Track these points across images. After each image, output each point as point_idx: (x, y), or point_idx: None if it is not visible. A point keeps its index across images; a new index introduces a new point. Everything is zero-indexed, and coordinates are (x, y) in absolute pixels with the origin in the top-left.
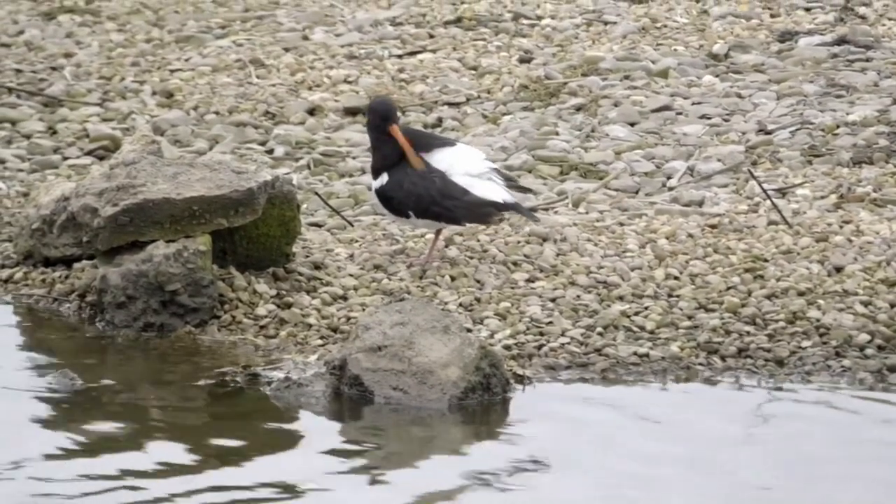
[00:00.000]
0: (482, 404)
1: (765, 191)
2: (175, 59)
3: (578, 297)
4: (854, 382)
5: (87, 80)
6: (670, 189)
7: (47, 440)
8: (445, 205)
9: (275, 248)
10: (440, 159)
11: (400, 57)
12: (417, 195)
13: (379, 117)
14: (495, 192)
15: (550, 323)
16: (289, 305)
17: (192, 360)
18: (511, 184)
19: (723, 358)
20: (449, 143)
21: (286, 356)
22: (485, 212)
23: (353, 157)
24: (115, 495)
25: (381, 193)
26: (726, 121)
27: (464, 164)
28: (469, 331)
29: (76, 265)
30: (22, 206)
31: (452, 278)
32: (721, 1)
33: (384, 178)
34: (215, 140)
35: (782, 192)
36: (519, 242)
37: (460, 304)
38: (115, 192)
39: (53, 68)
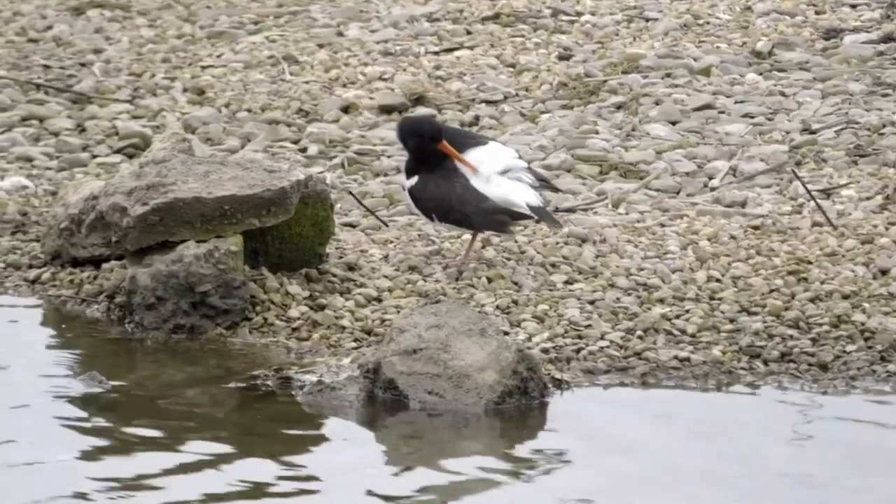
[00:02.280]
0: (519, 409)
1: (809, 191)
2: (207, 55)
3: (618, 299)
4: None
5: (116, 76)
6: (712, 189)
7: (76, 442)
8: (464, 211)
9: (308, 248)
10: (471, 159)
11: (436, 54)
12: (439, 200)
13: (428, 138)
14: (520, 194)
15: (589, 326)
16: (322, 307)
17: (223, 362)
18: (544, 184)
19: (765, 362)
20: (482, 141)
21: (319, 359)
22: (499, 220)
23: (388, 156)
24: (144, 497)
25: (411, 194)
26: (770, 120)
27: (494, 164)
28: (506, 334)
29: (105, 265)
30: (50, 205)
31: (489, 280)
32: None
33: (415, 178)
34: (247, 138)
35: (827, 193)
36: (557, 244)
37: (497, 307)
38: (145, 190)
39: (82, 64)
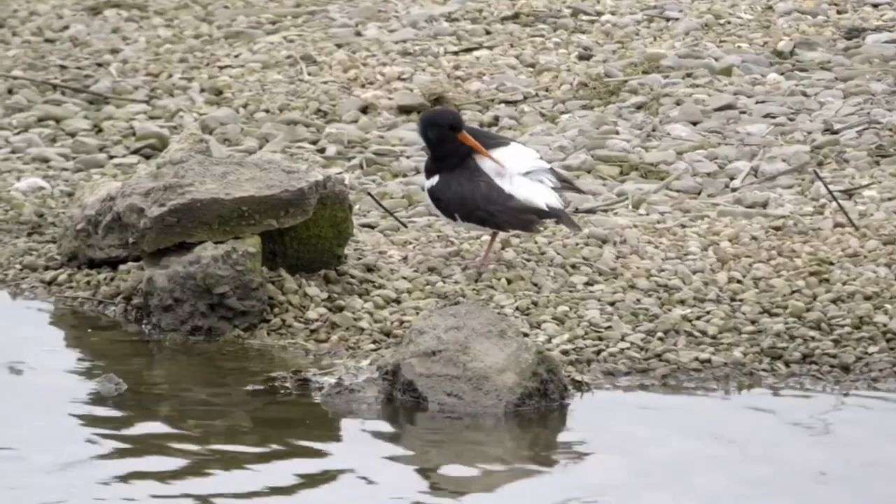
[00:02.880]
0: (539, 411)
1: (831, 192)
2: (224, 55)
3: (638, 300)
4: None
5: (133, 76)
6: (733, 190)
7: (92, 445)
8: (489, 210)
9: (326, 249)
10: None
11: (455, 54)
12: (462, 198)
13: (448, 127)
14: (542, 195)
15: (609, 327)
16: (340, 309)
17: (241, 364)
18: (566, 185)
19: (787, 364)
20: (503, 142)
21: (337, 361)
22: (526, 218)
23: (407, 157)
24: (160, 499)
25: (431, 194)
26: (791, 120)
27: (517, 164)
28: (526, 335)
29: (122, 267)
30: (66, 206)
31: (509, 281)
32: None
33: (436, 178)
34: (265, 139)
35: (849, 194)
36: (577, 245)
37: (517, 308)
38: (162, 191)
39: (99, 64)
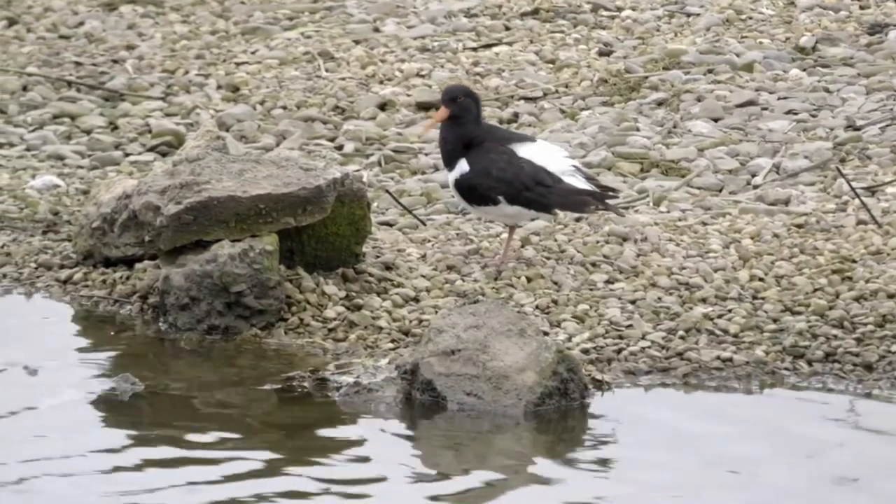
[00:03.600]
0: (559, 410)
1: (853, 189)
2: (241, 51)
3: (659, 299)
4: None
5: (149, 73)
6: (755, 187)
7: (108, 444)
8: (538, 191)
9: (344, 248)
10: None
11: (475, 50)
12: (508, 181)
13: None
14: (584, 185)
15: (630, 326)
16: (358, 307)
17: (258, 364)
18: (593, 182)
19: (809, 363)
20: (529, 139)
21: (356, 360)
22: (581, 200)
23: (426, 154)
24: (175, 500)
25: (465, 181)
26: (813, 116)
27: (545, 161)
28: (546, 334)
29: (138, 265)
30: (82, 204)
31: (529, 279)
32: None
33: (463, 165)
34: (283, 136)
35: (871, 191)
36: (598, 242)
37: (537, 307)
38: (179, 189)
39: (115, 61)
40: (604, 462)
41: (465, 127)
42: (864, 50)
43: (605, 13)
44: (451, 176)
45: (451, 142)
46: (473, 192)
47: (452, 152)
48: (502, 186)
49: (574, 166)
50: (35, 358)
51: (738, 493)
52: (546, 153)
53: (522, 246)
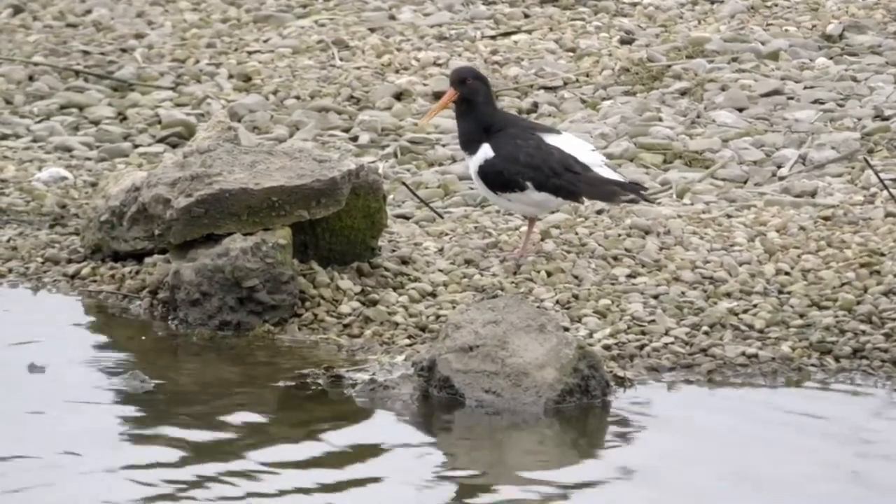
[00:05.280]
0: (580, 408)
1: (882, 180)
2: (253, 40)
3: (683, 293)
4: None
5: (159, 62)
6: (781, 179)
7: (116, 443)
8: (567, 178)
9: (359, 241)
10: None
11: (493, 38)
12: (536, 166)
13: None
14: (614, 176)
15: (653, 321)
16: (374, 303)
17: (271, 360)
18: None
19: (837, 359)
20: (554, 130)
21: (371, 357)
22: (611, 189)
23: (443, 145)
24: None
25: (491, 167)
26: (841, 106)
27: (574, 151)
28: (566, 330)
29: (147, 260)
30: (90, 196)
31: (549, 274)
32: None
33: (487, 151)
34: (296, 126)
35: None
36: (620, 236)
37: (557, 302)
38: (189, 181)
39: (123, 50)
40: (626, 462)
41: (477, 109)
42: (892, 38)
43: (626, 0)
44: (473, 161)
45: (469, 125)
46: (499, 177)
47: (472, 135)
48: (530, 172)
49: (602, 161)
50: (42, 356)
51: (766, 495)
52: (573, 144)
53: (542, 239)
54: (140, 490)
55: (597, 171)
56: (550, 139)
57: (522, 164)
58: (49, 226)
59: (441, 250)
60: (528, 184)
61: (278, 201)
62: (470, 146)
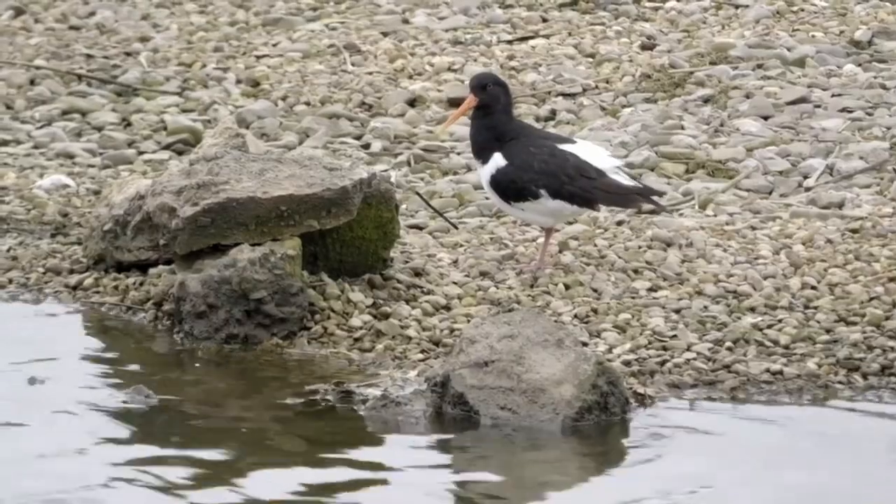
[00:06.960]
0: (599, 426)
1: None
2: (262, 43)
3: (705, 308)
4: None
5: (164, 66)
6: (807, 189)
7: (120, 461)
8: (581, 185)
9: (371, 252)
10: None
11: (510, 43)
12: (551, 173)
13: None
14: (629, 182)
15: (675, 336)
16: (386, 316)
17: (279, 375)
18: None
19: (864, 376)
20: (569, 140)
21: (383, 372)
22: (627, 196)
23: (458, 153)
24: None
25: (503, 175)
26: (869, 114)
27: (588, 158)
28: (585, 345)
29: (152, 270)
30: (93, 205)
31: (566, 287)
32: None
33: (499, 160)
34: (306, 133)
35: None
36: (640, 248)
37: (575, 316)
38: (196, 190)
39: (128, 54)
40: (646, 482)
41: (495, 117)
42: None
43: (648, 4)
44: (485, 171)
45: (483, 133)
46: (512, 186)
47: (485, 144)
48: (544, 179)
49: (618, 167)
50: (43, 369)
51: None
52: (588, 151)
53: (560, 251)
54: None
55: (612, 176)
56: (565, 146)
57: (536, 171)
58: (50, 235)
59: (455, 262)
60: (543, 191)
61: (287, 211)
62: (482, 154)
